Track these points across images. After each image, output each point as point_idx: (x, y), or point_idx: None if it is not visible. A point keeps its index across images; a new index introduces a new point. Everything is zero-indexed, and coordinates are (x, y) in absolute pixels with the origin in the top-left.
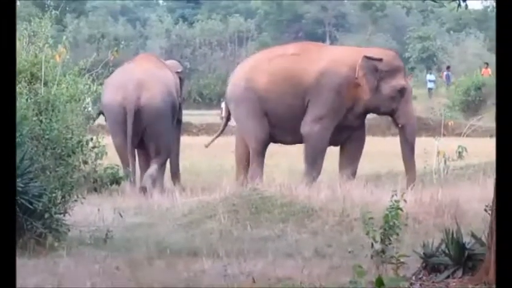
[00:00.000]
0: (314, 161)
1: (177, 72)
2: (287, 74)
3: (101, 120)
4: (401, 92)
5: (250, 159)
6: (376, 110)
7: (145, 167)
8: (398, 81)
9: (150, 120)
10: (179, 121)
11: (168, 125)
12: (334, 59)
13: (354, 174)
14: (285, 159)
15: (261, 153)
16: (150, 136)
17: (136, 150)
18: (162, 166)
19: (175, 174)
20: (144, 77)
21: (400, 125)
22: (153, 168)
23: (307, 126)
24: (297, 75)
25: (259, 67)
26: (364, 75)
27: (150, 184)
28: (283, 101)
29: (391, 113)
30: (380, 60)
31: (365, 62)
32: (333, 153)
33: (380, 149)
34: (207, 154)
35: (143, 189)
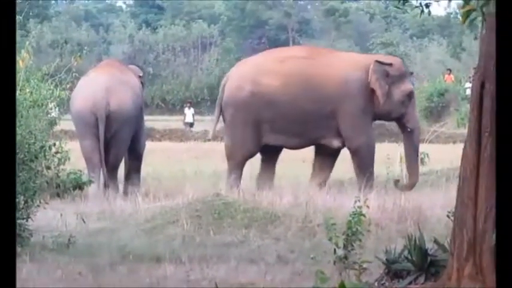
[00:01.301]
0: (369, 171)
1: (139, 77)
2: (302, 77)
3: (63, 125)
4: (410, 96)
5: (228, 173)
6: (388, 116)
7: (111, 171)
8: (406, 86)
9: (122, 125)
10: (142, 126)
11: (139, 129)
12: (351, 64)
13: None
14: (247, 166)
15: (243, 165)
16: (121, 140)
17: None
18: (137, 170)
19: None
20: (111, 83)
21: (409, 130)
22: (129, 173)
23: (355, 141)
24: (316, 80)
25: (267, 69)
26: (377, 80)
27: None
28: (296, 104)
29: (400, 118)
30: (390, 65)
31: (377, 66)
32: (292, 158)
33: (342, 155)
34: (170, 159)
35: (124, 195)
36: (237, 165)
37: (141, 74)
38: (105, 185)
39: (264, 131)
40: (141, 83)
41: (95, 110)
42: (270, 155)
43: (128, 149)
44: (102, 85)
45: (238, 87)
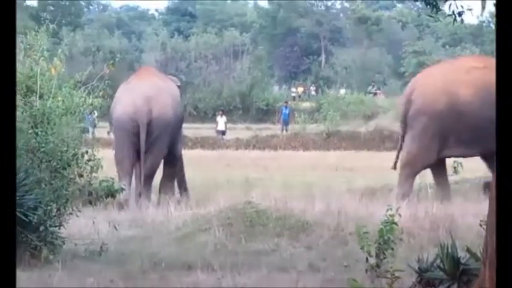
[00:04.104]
0: None
1: (178, 86)
2: (486, 87)
3: (96, 133)
4: None
5: (403, 180)
6: None
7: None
8: None
9: (160, 132)
10: (181, 134)
11: (178, 136)
12: None
13: None
14: (279, 173)
15: (417, 174)
16: (159, 148)
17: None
18: (173, 177)
19: (184, 186)
20: (152, 90)
21: None
22: (165, 180)
23: None
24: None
25: (458, 80)
26: None
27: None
28: (482, 113)
29: None
30: None
31: None
32: (325, 166)
33: (374, 163)
34: (201, 167)
35: (157, 203)
36: (413, 173)
37: (179, 84)
38: (140, 193)
39: (449, 143)
40: (180, 92)
41: (136, 117)
42: (440, 165)
43: (164, 157)
44: (144, 92)
45: (434, 97)
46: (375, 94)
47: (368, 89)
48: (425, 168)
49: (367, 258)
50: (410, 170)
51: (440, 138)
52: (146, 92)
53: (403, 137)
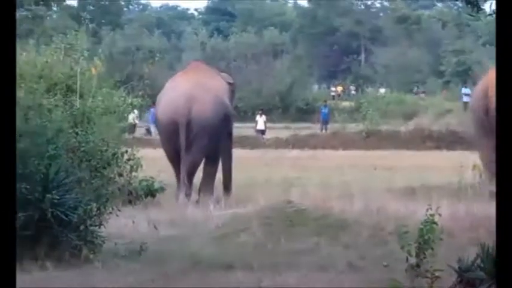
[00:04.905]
0: None
1: (229, 84)
2: None
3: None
4: None
5: (489, 179)
6: None
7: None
8: None
9: (202, 132)
10: (230, 133)
11: (219, 136)
12: None
13: None
14: (318, 173)
15: None
16: (202, 147)
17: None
18: (213, 177)
19: (227, 186)
20: (194, 89)
21: None
22: (204, 180)
23: None
24: None
25: None
26: None
27: (202, 196)
28: None
29: None
30: None
31: None
32: (364, 165)
33: (414, 162)
34: (241, 167)
35: (196, 202)
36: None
37: (231, 81)
38: (185, 193)
39: None
40: (232, 90)
41: (176, 116)
42: None
43: (205, 156)
44: (185, 92)
45: None
46: (418, 94)
47: (413, 90)
48: None
49: (407, 257)
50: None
51: None
52: (188, 90)
53: (480, 134)
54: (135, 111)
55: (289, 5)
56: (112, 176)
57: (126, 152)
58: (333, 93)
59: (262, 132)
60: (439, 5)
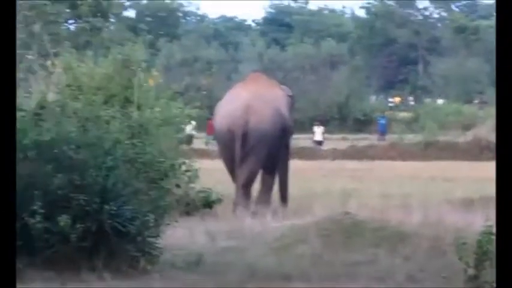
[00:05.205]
0: None
1: (289, 96)
2: None
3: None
4: None
5: None
6: None
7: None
8: None
9: (257, 143)
10: (287, 145)
11: (276, 147)
12: None
13: None
14: (376, 184)
15: None
16: (256, 159)
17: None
18: (270, 188)
19: (284, 197)
20: (252, 101)
21: None
22: (261, 191)
23: None
24: None
25: None
26: None
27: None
28: None
29: None
30: None
31: None
32: (422, 176)
33: (472, 173)
34: (298, 178)
35: (254, 213)
36: None
37: (290, 94)
38: (243, 205)
39: None
40: (291, 103)
41: (233, 127)
42: None
43: (263, 167)
44: (243, 102)
45: None
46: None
47: (474, 100)
48: None
49: (465, 269)
50: None
51: None
52: (246, 101)
53: None
54: (193, 122)
55: (347, 15)
56: (169, 187)
57: (184, 163)
58: (390, 104)
59: (320, 143)
60: None
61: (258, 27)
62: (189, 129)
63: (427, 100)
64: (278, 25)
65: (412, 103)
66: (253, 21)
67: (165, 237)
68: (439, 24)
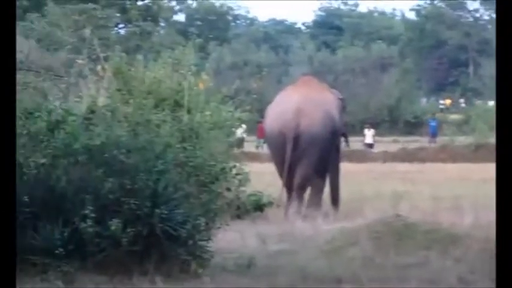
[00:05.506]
0: None
1: (339, 100)
2: None
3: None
4: None
5: None
6: None
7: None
8: None
9: (309, 146)
10: (337, 148)
11: (327, 151)
12: None
13: None
14: (427, 187)
15: None
16: (308, 162)
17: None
18: (320, 191)
19: (335, 200)
20: (303, 104)
21: None
22: (312, 194)
23: None
24: None
25: None
26: None
27: (310, 210)
28: None
29: None
30: None
31: None
32: (473, 178)
33: None
34: (349, 181)
35: (305, 216)
36: None
37: (341, 97)
38: (295, 208)
39: None
40: (342, 106)
41: (284, 130)
42: None
43: (315, 170)
44: (294, 105)
45: None
46: None
47: None
48: None
49: None
50: None
51: None
52: (297, 104)
53: None
54: (243, 125)
55: (397, 18)
56: (220, 190)
57: (235, 166)
58: (441, 106)
59: (371, 146)
60: None
61: (308, 30)
62: (240, 132)
63: (478, 102)
64: (328, 28)
65: (463, 105)
66: (303, 24)
67: (216, 241)
68: (490, 26)
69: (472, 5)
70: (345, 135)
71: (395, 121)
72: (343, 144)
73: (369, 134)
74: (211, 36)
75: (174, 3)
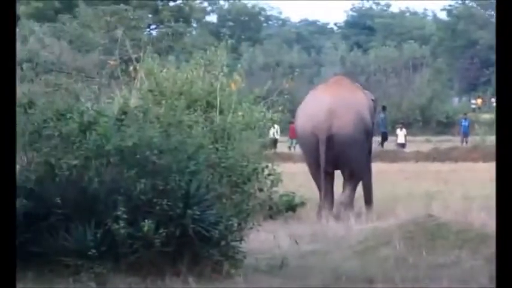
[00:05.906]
0: None
1: (372, 101)
2: None
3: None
4: None
5: None
6: None
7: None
8: None
9: (342, 147)
10: (369, 148)
11: (359, 151)
12: None
13: None
14: (459, 186)
15: None
16: (343, 163)
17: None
18: (353, 191)
19: (368, 200)
20: (335, 104)
21: None
22: (345, 194)
23: None
24: None
25: None
26: None
27: (342, 210)
28: None
29: None
30: None
31: None
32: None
33: None
34: (381, 181)
35: (337, 216)
36: None
37: (373, 98)
38: (327, 208)
39: None
40: (374, 107)
41: (317, 131)
42: None
43: (347, 171)
44: (326, 106)
45: None
46: None
47: None
48: None
49: None
50: None
51: None
52: (329, 105)
53: None
54: (276, 126)
55: (429, 18)
56: (252, 191)
57: (267, 167)
58: (473, 106)
59: (403, 145)
60: None
61: (340, 30)
62: (273, 133)
63: None
64: (360, 28)
65: (494, 104)
66: (335, 24)
67: (248, 241)
68: None
69: None
70: (385, 137)
71: (427, 121)
72: (376, 144)
73: (401, 134)
74: (243, 37)
75: (206, 4)
